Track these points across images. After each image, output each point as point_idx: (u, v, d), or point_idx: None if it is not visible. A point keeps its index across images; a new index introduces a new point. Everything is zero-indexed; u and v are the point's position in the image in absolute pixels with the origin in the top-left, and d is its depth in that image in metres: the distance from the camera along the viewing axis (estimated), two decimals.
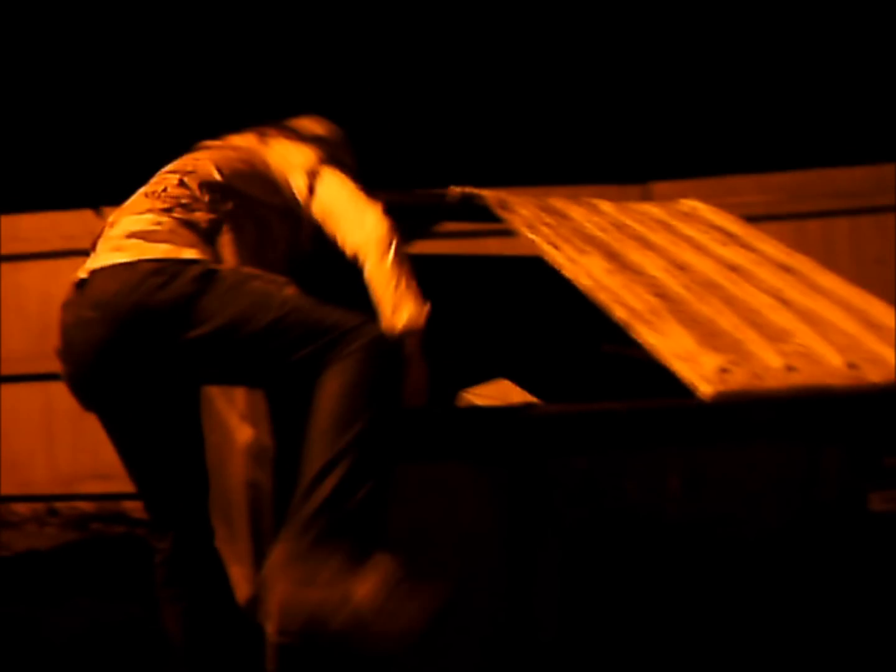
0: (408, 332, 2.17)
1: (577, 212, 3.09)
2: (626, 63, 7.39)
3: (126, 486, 5.17)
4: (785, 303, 2.64)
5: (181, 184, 2.36)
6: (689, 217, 3.26)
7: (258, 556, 2.17)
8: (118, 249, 2.18)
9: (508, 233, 3.00)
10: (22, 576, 4.42)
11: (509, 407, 2.51)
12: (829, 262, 3.62)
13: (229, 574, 2.35)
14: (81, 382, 2.24)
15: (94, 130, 7.10)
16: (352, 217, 2.38)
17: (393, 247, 2.27)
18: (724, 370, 2.23)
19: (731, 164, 5.78)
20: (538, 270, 2.87)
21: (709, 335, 2.39)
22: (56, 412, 5.71)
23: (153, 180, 2.45)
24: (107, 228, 2.32)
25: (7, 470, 5.74)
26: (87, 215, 5.89)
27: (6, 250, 5.79)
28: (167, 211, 2.26)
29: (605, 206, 3.23)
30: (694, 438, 2.20)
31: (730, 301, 2.60)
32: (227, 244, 2.26)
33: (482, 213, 3.10)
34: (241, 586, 2.27)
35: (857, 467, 2.29)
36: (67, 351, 2.21)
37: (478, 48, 7.56)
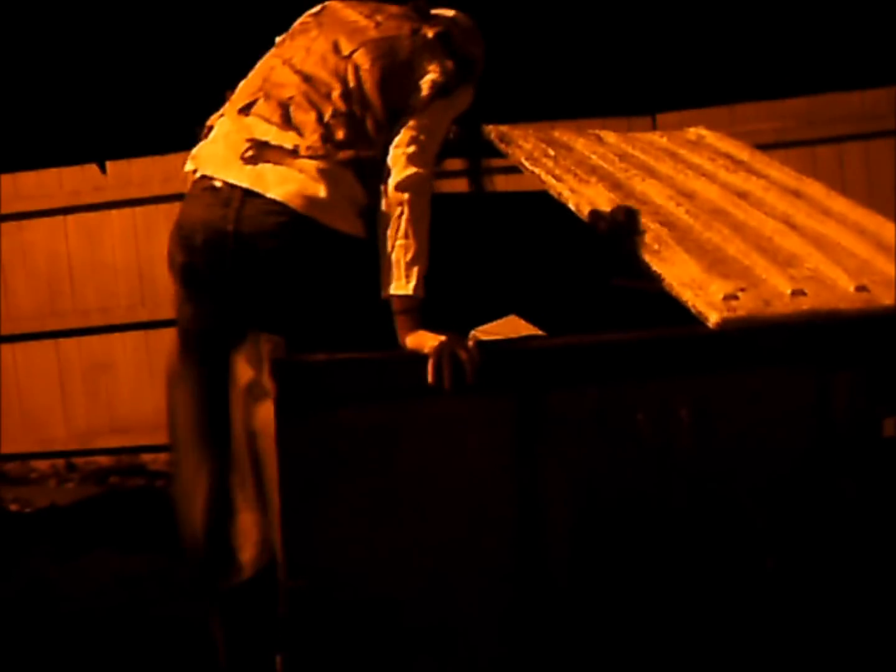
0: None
1: (580, 143, 3.04)
2: None
3: (143, 438, 5.24)
4: (794, 228, 2.61)
5: None
6: (696, 145, 3.22)
7: (263, 501, 2.17)
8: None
9: (515, 169, 2.95)
10: (44, 531, 4.47)
11: (516, 339, 2.49)
12: (843, 188, 3.56)
13: (237, 523, 2.34)
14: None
15: (96, 84, 7.03)
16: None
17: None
18: (731, 297, 2.21)
19: (740, 91, 5.67)
20: (546, 205, 2.83)
21: (716, 262, 2.36)
22: (68, 369, 5.73)
23: None
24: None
25: (25, 428, 5.79)
26: (91, 170, 5.87)
27: (11, 209, 5.78)
28: None
29: (610, 136, 3.18)
30: (703, 367, 2.18)
31: (738, 228, 2.57)
32: None
33: (486, 148, 3.05)
34: (251, 532, 2.28)
35: (870, 392, 2.26)
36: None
37: None
